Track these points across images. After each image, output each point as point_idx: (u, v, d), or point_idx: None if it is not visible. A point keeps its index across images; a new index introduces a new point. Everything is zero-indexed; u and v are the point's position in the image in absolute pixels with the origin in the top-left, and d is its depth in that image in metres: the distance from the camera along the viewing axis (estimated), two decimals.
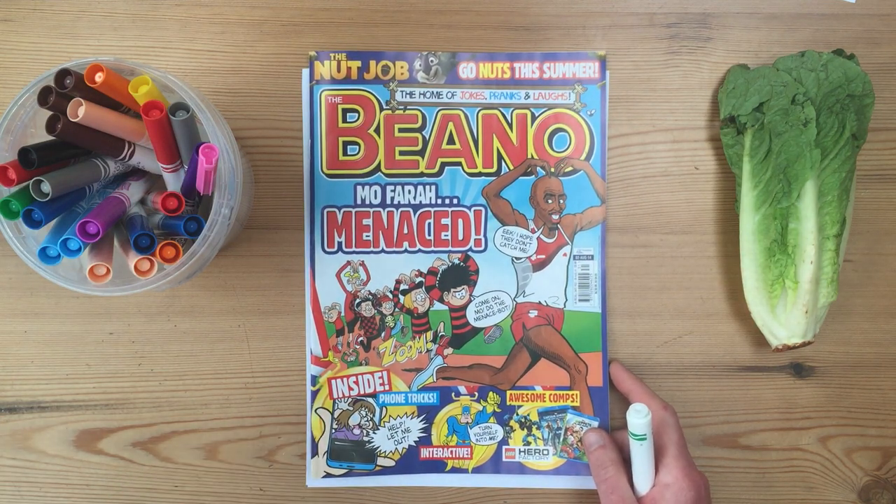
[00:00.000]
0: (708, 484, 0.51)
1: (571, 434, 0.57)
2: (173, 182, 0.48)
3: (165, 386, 0.58)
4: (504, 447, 0.57)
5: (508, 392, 0.57)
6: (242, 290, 0.58)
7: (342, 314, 0.58)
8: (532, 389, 0.57)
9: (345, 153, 0.57)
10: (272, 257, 0.58)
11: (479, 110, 0.57)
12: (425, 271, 0.58)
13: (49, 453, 0.57)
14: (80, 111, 0.42)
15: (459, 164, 0.57)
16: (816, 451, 0.59)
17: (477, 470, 0.57)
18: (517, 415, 0.57)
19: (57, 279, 0.45)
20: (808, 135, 0.53)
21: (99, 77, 0.43)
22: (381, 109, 0.57)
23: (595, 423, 0.57)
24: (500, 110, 0.57)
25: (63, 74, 0.43)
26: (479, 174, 0.57)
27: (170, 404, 0.58)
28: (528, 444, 0.57)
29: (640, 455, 0.50)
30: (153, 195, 0.49)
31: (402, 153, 0.57)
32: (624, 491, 0.51)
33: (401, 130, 0.57)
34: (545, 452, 0.57)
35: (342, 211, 0.57)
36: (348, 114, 0.57)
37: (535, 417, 0.57)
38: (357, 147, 0.57)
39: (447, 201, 0.58)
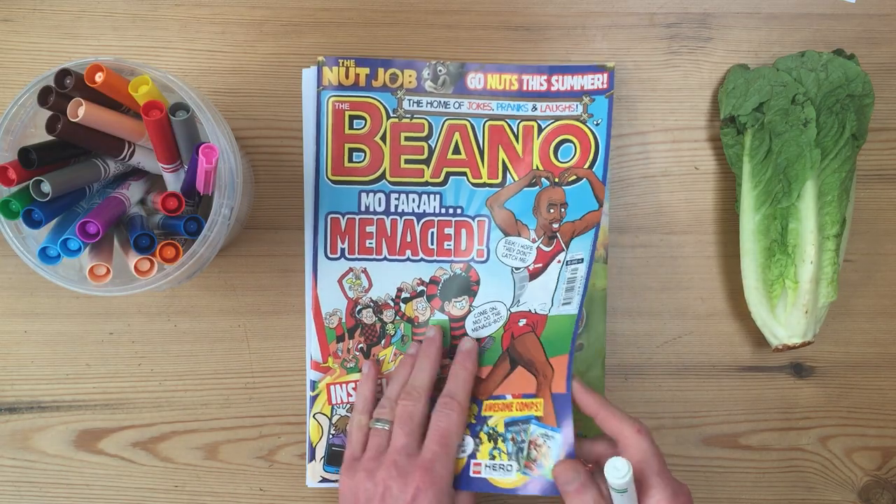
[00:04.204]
0: (689, 492, 0.48)
1: (535, 448, 0.51)
2: (173, 182, 0.48)
3: (165, 386, 0.58)
4: (472, 461, 0.52)
5: (484, 402, 0.54)
6: (242, 290, 0.58)
7: (343, 320, 0.57)
8: (503, 398, 0.53)
9: (350, 160, 0.57)
10: (272, 257, 0.58)
11: (486, 121, 0.57)
12: (427, 280, 0.57)
13: (49, 453, 0.57)
14: (80, 111, 0.42)
15: (464, 174, 0.57)
16: (816, 451, 0.59)
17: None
18: (486, 426, 0.53)
19: (57, 279, 0.45)
20: (808, 135, 0.53)
21: (99, 77, 0.43)
22: (388, 117, 0.57)
23: (558, 435, 0.50)
24: (506, 122, 0.57)
25: (63, 74, 0.43)
26: (484, 185, 0.57)
27: (170, 404, 0.58)
28: (494, 458, 0.52)
29: (627, 499, 0.46)
30: (153, 195, 0.49)
31: (407, 161, 0.57)
32: None
33: (407, 139, 0.57)
34: (509, 468, 0.51)
35: (346, 217, 0.57)
36: (355, 120, 0.57)
37: (501, 429, 0.52)
38: (363, 154, 0.57)
39: (451, 211, 0.57)
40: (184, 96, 0.45)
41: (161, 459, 0.57)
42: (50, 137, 0.43)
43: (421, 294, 0.57)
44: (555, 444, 0.50)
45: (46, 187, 0.43)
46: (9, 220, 0.44)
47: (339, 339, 0.57)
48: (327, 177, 0.57)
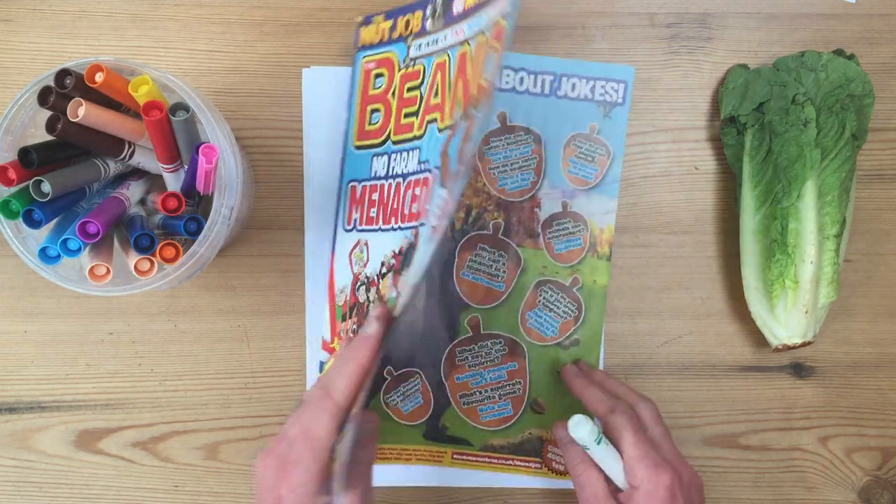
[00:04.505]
0: (681, 475, 0.46)
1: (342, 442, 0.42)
2: (173, 182, 0.48)
3: (165, 386, 0.58)
4: None
5: None
6: (242, 290, 0.58)
7: (348, 298, 0.53)
8: None
9: (370, 122, 0.53)
10: (272, 257, 0.58)
11: (457, 49, 0.47)
12: (397, 251, 0.48)
13: (49, 453, 0.57)
14: (80, 111, 0.42)
15: (435, 120, 0.48)
16: (816, 451, 0.59)
17: None
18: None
19: (57, 279, 0.45)
20: (808, 135, 0.53)
21: (99, 77, 0.43)
22: (399, 69, 0.52)
23: (350, 427, 0.42)
24: (468, 43, 0.46)
25: (63, 74, 0.43)
26: (445, 129, 0.46)
27: (170, 404, 0.58)
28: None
29: (599, 457, 0.48)
30: (153, 195, 0.49)
31: (406, 116, 0.51)
32: (596, 487, 0.47)
33: (408, 90, 0.51)
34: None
35: (361, 185, 0.53)
36: (377, 78, 0.53)
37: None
38: (378, 115, 0.53)
39: (422, 167, 0.48)
40: (184, 96, 0.45)
41: (161, 459, 0.57)
42: (50, 137, 0.43)
43: (392, 269, 0.48)
44: (347, 439, 0.41)
45: (46, 187, 0.43)
46: (9, 220, 0.44)
47: (344, 317, 0.54)
48: (353, 144, 0.54)
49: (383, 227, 0.51)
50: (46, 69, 0.44)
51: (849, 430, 0.59)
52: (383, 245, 0.50)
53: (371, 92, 0.53)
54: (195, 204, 0.50)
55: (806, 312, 0.54)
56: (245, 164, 0.54)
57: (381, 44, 0.53)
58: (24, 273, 0.57)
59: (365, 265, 0.52)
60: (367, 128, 0.53)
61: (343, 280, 0.54)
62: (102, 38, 0.57)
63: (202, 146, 0.44)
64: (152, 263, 0.45)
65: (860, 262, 0.59)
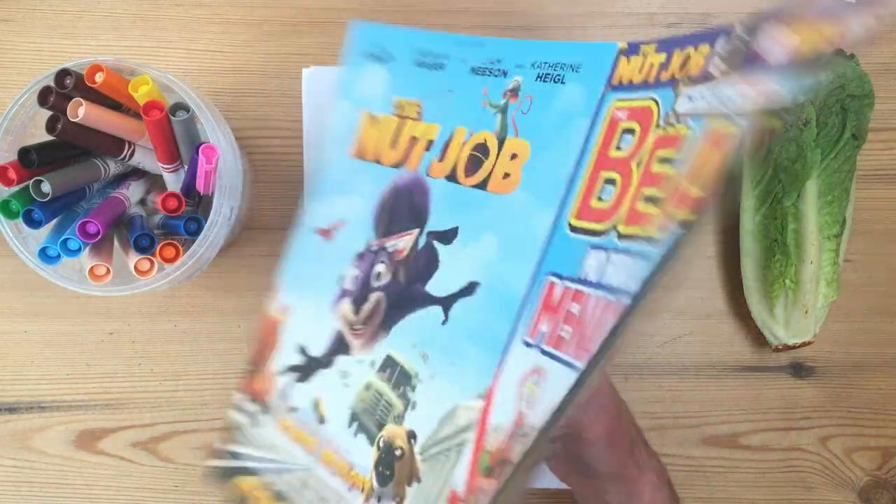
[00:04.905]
0: None
1: None
2: (173, 182, 0.48)
3: (165, 386, 0.58)
4: None
5: None
6: (242, 290, 0.58)
7: (503, 445, 0.37)
8: None
9: (599, 196, 0.36)
10: (272, 257, 0.58)
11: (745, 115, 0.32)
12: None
13: (49, 453, 0.57)
14: (80, 111, 0.42)
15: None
16: (816, 451, 0.59)
17: None
18: None
19: (57, 279, 0.45)
20: (808, 135, 0.53)
21: (99, 77, 0.43)
22: (656, 126, 0.35)
23: None
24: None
25: (63, 74, 0.43)
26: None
27: (170, 404, 0.58)
28: None
29: None
30: (153, 195, 0.49)
31: (646, 200, 0.34)
32: None
33: (659, 161, 0.34)
34: None
35: (563, 284, 0.36)
36: (625, 135, 0.36)
37: None
38: (613, 188, 0.36)
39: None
40: (184, 96, 0.45)
41: (161, 459, 0.57)
42: (50, 137, 0.43)
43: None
44: None
45: (46, 187, 0.43)
46: (9, 220, 0.44)
47: (490, 472, 0.37)
48: (567, 220, 0.37)
49: (573, 360, 0.34)
50: (46, 69, 0.44)
51: (849, 430, 0.59)
52: (559, 387, 0.34)
53: (612, 153, 0.36)
54: (195, 204, 0.50)
55: (806, 312, 0.54)
56: (245, 164, 0.54)
57: (643, 85, 0.36)
58: (24, 273, 0.57)
59: (533, 407, 0.35)
60: (594, 204, 0.36)
61: (503, 416, 0.36)
62: (102, 38, 0.57)
63: (202, 146, 0.44)
64: (152, 263, 0.45)
65: (860, 262, 0.59)
